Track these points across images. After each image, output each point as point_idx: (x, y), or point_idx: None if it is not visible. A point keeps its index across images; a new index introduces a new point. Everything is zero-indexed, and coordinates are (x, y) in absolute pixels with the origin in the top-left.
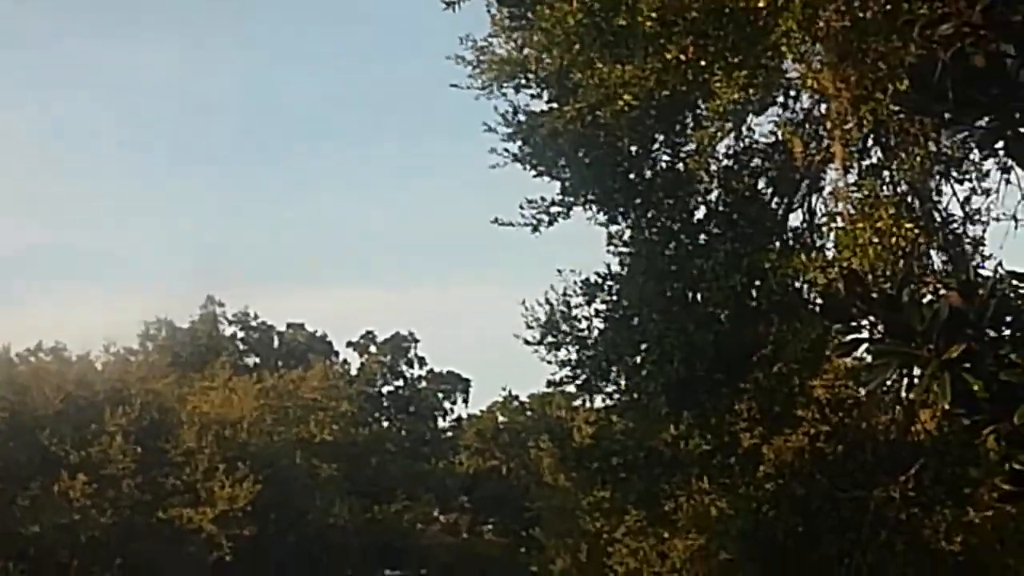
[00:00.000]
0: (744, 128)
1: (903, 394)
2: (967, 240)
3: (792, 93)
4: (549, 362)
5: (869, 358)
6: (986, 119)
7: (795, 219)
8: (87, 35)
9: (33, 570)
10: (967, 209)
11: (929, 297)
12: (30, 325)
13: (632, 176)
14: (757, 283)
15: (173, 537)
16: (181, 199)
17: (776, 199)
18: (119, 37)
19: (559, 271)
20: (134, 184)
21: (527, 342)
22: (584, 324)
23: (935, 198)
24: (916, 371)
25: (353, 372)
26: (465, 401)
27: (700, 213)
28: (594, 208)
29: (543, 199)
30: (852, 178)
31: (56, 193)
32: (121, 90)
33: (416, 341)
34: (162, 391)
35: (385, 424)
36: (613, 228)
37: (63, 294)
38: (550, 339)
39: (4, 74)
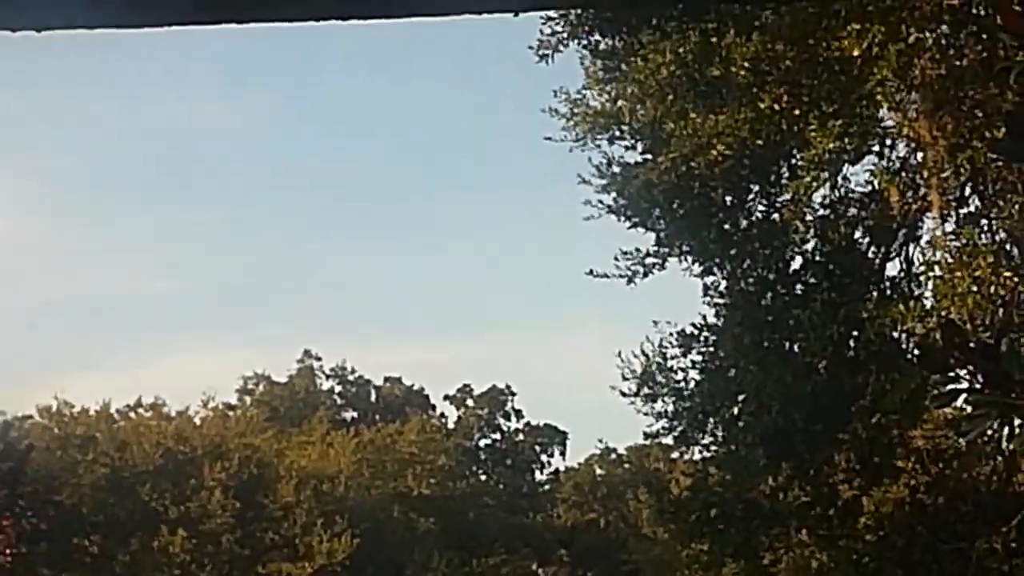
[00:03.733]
0: (840, 177)
1: (1004, 444)
2: None
3: (888, 142)
4: (646, 414)
5: (969, 408)
6: None
7: (892, 268)
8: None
9: None
10: None
11: None
12: (130, 380)
13: (727, 227)
14: (855, 333)
15: None
16: (279, 251)
17: (873, 249)
18: (204, 89)
19: (655, 323)
20: (230, 234)
21: (623, 394)
22: (680, 375)
23: None
24: (1016, 421)
25: (450, 426)
26: (562, 454)
27: (796, 263)
28: (689, 259)
29: (638, 250)
30: (950, 227)
31: (147, 241)
32: (208, 139)
33: (513, 394)
34: (260, 446)
35: (482, 478)
36: (709, 279)
37: (162, 348)
38: (646, 391)
39: (82, 111)
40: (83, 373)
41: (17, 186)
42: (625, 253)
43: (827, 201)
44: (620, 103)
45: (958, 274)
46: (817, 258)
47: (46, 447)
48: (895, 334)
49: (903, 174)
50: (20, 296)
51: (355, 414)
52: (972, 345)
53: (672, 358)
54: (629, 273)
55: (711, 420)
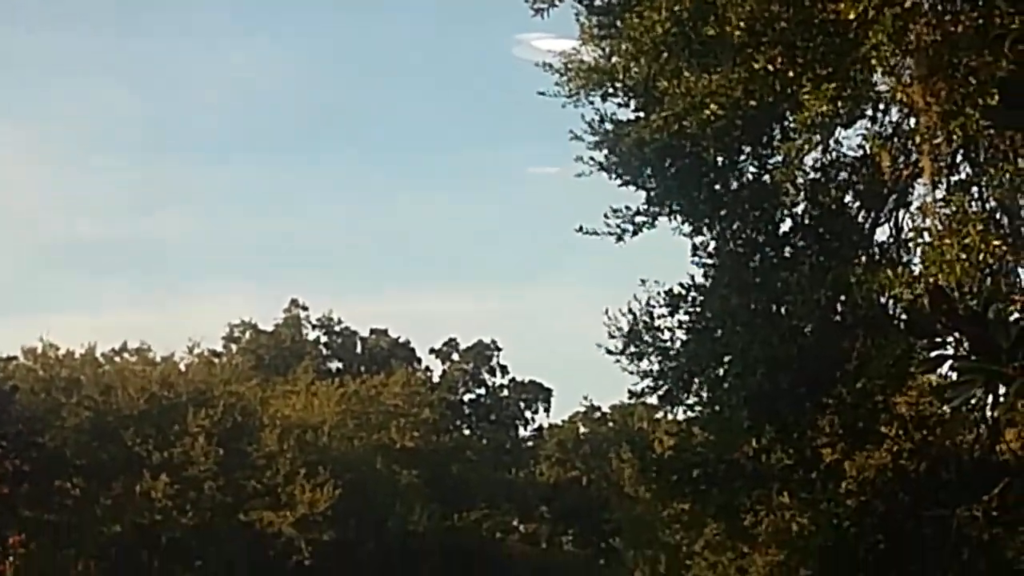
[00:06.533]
0: (832, 141)
1: (988, 412)
2: None
3: (881, 106)
4: (631, 372)
5: (954, 375)
6: None
7: (882, 234)
8: (205, 34)
9: (113, 570)
10: None
11: (1016, 315)
12: (115, 324)
13: (718, 187)
14: (842, 298)
15: (253, 540)
16: (268, 198)
17: (863, 213)
18: (234, 38)
19: (642, 281)
20: (219, 181)
21: (609, 352)
22: (667, 335)
23: None
24: (1001, 389)
25: (435, 379)
26: (547, 410)
27: (786, 226)
28: (679, 219)
29: (628, 208)
30: (940, 193)
31: (139, 188)
32: (214, 87)
33: (499, 349)
34: (245, 394)
35: (466, 432)
36: (698, 239)
37: (148, 293)
38: (632, 349)
39: (100, 59)
40: (70, 315)
41: (28, 127)
42: (615, 210)
43: (818, 164)
44: (614, 60)
45: (947, 241)
46: (807, 221)
47: (30, 389)
48: (883, 299)
49: (895, 139)
50: (13, 235)
51: (340, 365)
52: (959, 312)
53: (659, 317)
54: (619, 231)
55: (696, 380)
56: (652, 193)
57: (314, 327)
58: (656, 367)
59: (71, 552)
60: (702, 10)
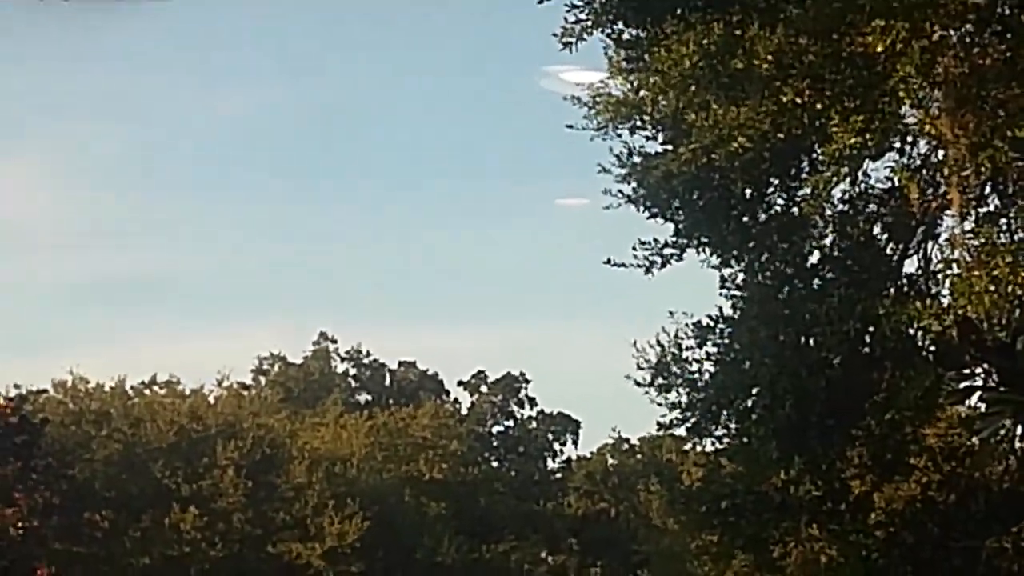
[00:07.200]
0: (860, 173)
1: (1017, 443)
2: None
3: (909, 138)
4: (659, 404)
5: (983, 406)
6: None
7: (910, 265)
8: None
9: None
10: None
11: None
12: (144, 357)
13: (746, 219)
14: (871, 329)
15: (282, 572)
16: (296, 231)
17: (891, 245)
18: (232, 64)
19: (671, 313)
20: (248, 213)
21: (638, 384)
22: (695, 367)
23: None
24: None
25: (464, 411)
26: (575, 442)
27: (814, 258)
28: (707, 251)
29: (656, 241)
30: (969, 225)
31: (169, 222)
32: (232, 114)
33: (527, 381)
34: (274, 426)
35: (494, 464)
36: (726, 271)
37: (177, 326)
38: (661, 381)
39: (112, 94)
40: (100, 349)
41: (49, 163)
42: (643, 243)
43: (847, 196)
44: (642, 93)
45: (976, 273)
46: (835, 253)
47: (60, 422)
48: (911, 331)
49: (924, 171)
50: (42, 271)
51: (369, 397)
52: (988, 343)
53: (687, 349)
54: (647, 263)
55: (724, 412)
56: (680, 225)
57: (343, 360)
58: (684, 399)
59: None
60: (730, 43)
